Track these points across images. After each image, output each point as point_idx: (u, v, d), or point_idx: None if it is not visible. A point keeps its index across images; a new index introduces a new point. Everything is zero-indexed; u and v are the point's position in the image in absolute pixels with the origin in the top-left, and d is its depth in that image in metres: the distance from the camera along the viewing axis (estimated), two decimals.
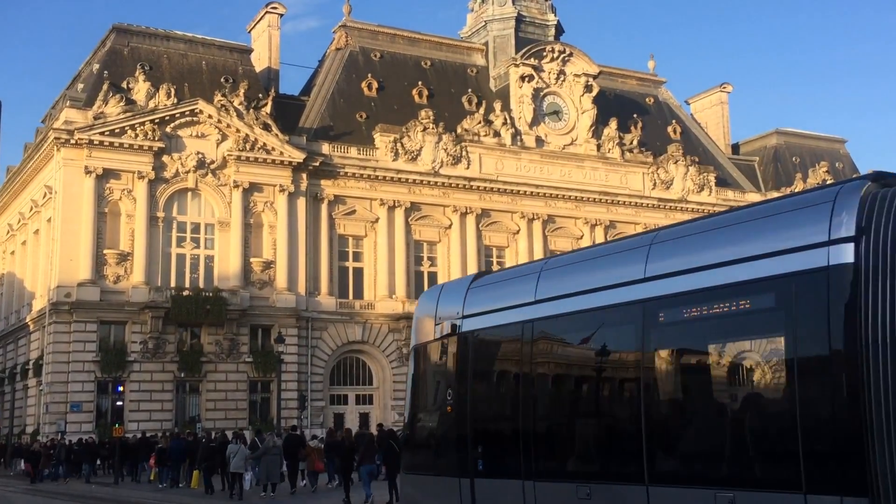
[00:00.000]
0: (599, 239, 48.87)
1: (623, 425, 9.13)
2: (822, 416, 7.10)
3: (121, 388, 38.88)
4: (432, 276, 46.99)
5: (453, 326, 11.11)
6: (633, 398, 8.92)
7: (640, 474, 8.43)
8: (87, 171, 40.66)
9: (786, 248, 7.46)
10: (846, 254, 7.05)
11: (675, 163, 54.15)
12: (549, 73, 51.81)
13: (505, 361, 10.94)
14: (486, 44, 54.05)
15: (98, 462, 34.91)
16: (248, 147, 43.26)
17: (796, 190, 49.04)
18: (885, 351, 6.75)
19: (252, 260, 43.40)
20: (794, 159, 60.34)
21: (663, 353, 8.72)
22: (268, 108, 44.19)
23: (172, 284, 41.55)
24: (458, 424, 10.94)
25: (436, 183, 47.64)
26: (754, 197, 52.16)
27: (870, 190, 7.28)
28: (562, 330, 9.98)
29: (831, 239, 7.15)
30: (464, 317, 11.06)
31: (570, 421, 9.97)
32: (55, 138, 40.67)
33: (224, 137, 43.17)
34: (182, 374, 40.95)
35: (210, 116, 42.76)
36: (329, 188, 45.73)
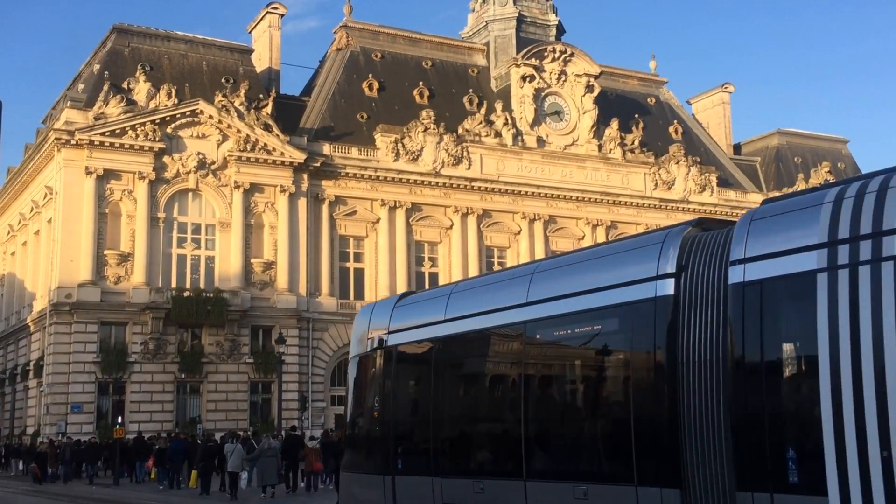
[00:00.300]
0: (601, 239, 48.77)
1: (508, 428, 10.66)
2: (648, 420, 8.51)
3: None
4: (433, 277, 46.91)
5: (380, 340, 12.74)
6: (516, 405, 10.50)
7: (519, 471, 10.02)
8: (88, 172, 40.62)
9: (625, 282, 8.96)
10: (668, 287, 8.50)
11: (677, 163, 54.06)
12: (551, 73, 51.73)
13: (418, 373, 12.57)
14: (487, 44, 53.96)
15: (99, 463, 34.86)
16: (248, 147, 43.21)
17: (798, 189, 48.87)
18: (696, 368, 8.11)
19: (253, 260, 43.34)
20: (795, 159, 60.22)
21: (537, 367, 10.52)
22: (268, 109, 44.13)
23: (173, 285, 41.49)
24: (382, 428, 12.53)
25: (437, 183, 47.56)
26: (756, 197, 52.03)
27: (690, 234, 8.75)
28: (461, 345, 11.61)
29: (658, 274, 8.60)
30: (389, 332, 12.67)
31: (467, 426, 11.62)
32: (56, 139, 40.63)
33: (225, 138, 43.11)
34: (183, 375, 40.89)
35: (211, 117, 42.71)
36: (330, 189, 45.67)
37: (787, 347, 7.54)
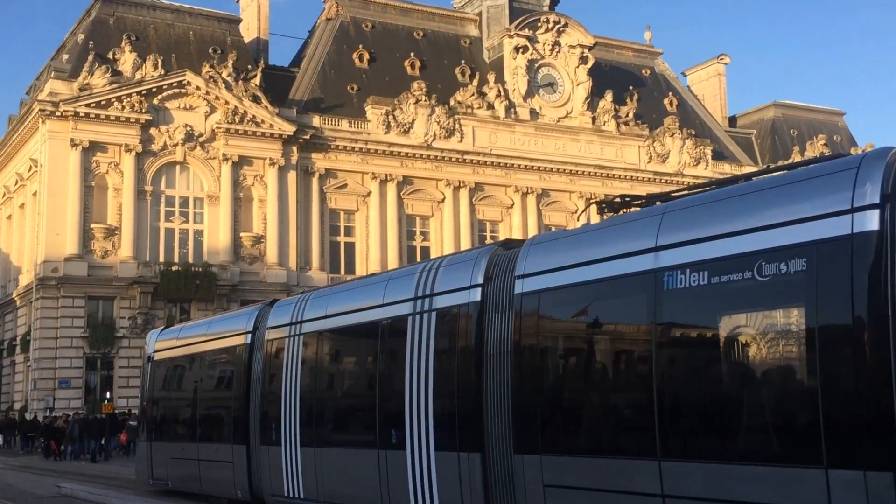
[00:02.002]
0: (594, 214, 48.22)
1: (223, 411, 16.36)
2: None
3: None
4: (425, 251, 46.46)
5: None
6: (236, 390, 15.50)
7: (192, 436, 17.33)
8: (73, 144, 39.99)
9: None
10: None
11: (672, 136, 53.51)
12: (544, 44, 50.99)
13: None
14: (479, 14, 53.10)
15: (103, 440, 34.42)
16: (237, 119, 42.56)
17: (794, 161, 48.43)
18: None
19: (242, 234, 42.87)
20: (791, 132, 59.74)
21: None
22: (257, 80, 43.46)
23: (161, 259, 41.07)
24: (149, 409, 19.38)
25: (428, 156, 46.98)
26: (751, 169, 51.50)
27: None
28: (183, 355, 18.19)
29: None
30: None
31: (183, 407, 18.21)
32: (40, 110, 39.99)
33: (212, 110, 42.45)
34: None
35: (198, 88, 42.01)
36: (320, 161, 45.08)
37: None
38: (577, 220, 46.27)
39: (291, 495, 13.25)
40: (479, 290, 10.10)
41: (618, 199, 10.03)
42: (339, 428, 12.91)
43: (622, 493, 8.12)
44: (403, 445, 10.90)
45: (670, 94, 57.41)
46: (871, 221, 6.69)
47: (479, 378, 9.88)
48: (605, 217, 10.00)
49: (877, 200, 6.72)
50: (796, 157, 54.38)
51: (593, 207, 11.11)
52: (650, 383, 7.96)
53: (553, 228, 44.48)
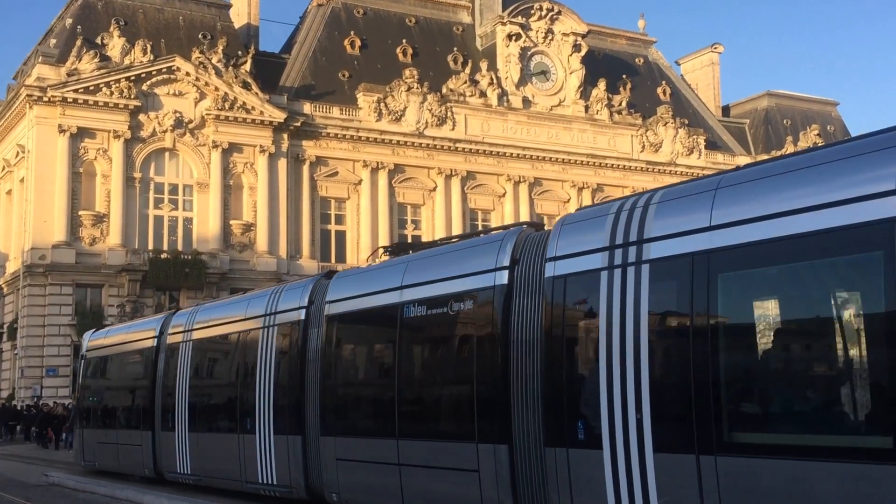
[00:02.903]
0: (587, 202, 48.11)
1: (136, 402, 18.88)
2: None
3: None
4: (416, 240, 46.11)
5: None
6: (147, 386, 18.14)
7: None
8: (61, 130, 39.62)
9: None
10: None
11: (665, 125, 53.28)
12: (537, 31, 50.64)
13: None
14: (472, 1, 52.67)
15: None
16: (227, 106, 42.20)
17: (787, 152, 48.37)
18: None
19: (232, 222, 42.58)
20: (785, 122, 59.55)
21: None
22: (247, 66, 43.07)
23: (150, 247, 40.79)
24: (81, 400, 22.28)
25: (420, 144, 46.68)
26: (744, 160, 51.37)
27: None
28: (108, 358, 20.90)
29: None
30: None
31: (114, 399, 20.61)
32: (27, 95, 39.63)
33: (202, 96, 42.07)
34: None
35: (188, 74, 41.61)
36: (311, 149, 44.75)
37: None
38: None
39: (180, 471, 16.59)
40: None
41: (395, 244, 13.36)
42: (210, 417, 15.97)
43: None
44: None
45: (664, 82, 57.15)
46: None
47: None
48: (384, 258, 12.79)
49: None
50: (790, 148, 54.21)
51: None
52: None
53: (545, 218, 44.25)
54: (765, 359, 7.39)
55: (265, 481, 13.73)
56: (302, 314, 13.08)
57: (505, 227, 10.98)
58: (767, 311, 7.54)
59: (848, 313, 6.87)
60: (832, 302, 7.02)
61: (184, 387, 16.27)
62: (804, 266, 7.03)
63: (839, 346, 6.90)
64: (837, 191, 6.77)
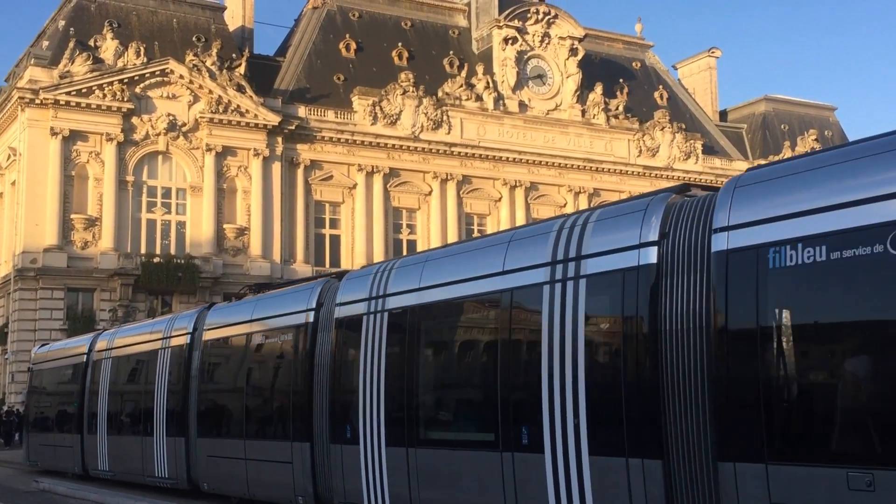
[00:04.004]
0: (584, 207, 47.81)
1: (67, 410, 21.70)
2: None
3: None
4: (411, 244, 45.90)
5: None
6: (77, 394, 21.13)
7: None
8: (53, 133, 39.34)
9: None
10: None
11: (662, 129, 53.03)
12: (534, 35, 50.40)
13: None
14: (468, 4, 52.45)
15: None
16: (221, 109, 41.91)
17: (784, 157, 48.25)
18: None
19: (225, 226, 42.28)
20: (782, 127, 59.35)
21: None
22: (242, 69, 42.80)
23: (142, 251, 40.52)
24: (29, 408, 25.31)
25: (415, 148, 46.39)
26: (741, 165, 51.15)
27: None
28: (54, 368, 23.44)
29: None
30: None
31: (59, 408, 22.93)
32: (19, 98, 39.38)
33: (196, 99, 41.78)
34: None
35: (181, 77, 41.32)
36: (305, 153, 44.45)
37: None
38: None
39: (99, 468, 19.58)
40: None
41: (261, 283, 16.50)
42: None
43: None
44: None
45: (661, 87, 56.91)
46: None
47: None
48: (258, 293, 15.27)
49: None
50: (787, 153, 54.01)
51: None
52: None
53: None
54: None
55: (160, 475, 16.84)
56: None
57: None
58: None
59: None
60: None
61: (102, 393, 19.71)
62: None
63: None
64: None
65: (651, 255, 8.13)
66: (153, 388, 16.87)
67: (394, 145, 45.89)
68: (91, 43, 40.84)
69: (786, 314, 7.17)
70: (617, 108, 52.23)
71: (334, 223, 45.48)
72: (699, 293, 7.71)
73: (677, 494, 7.75)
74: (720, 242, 7.52)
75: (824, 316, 7.02)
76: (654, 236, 8.19)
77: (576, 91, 50.90)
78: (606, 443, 8.30)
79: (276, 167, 43.34)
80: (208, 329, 15.58)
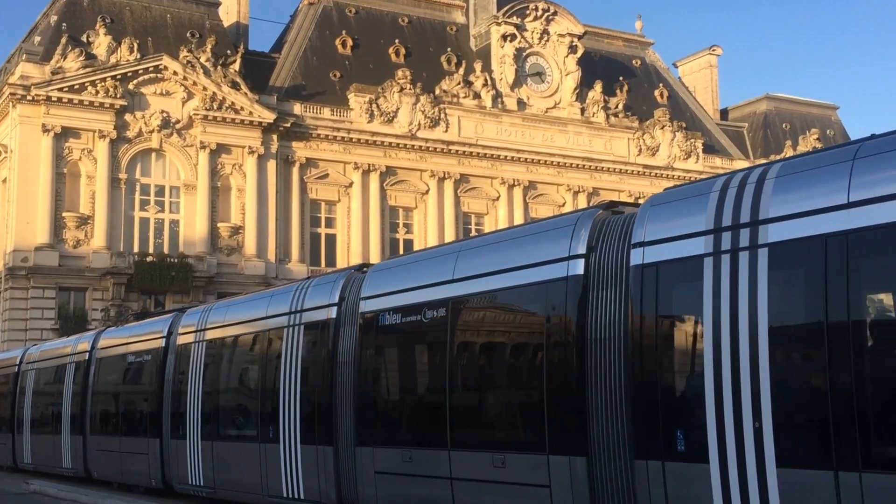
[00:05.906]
0: (582, 206, 47.32)
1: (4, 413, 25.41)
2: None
3: None
4: (408, 244, 45.42)
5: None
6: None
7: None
8: (45, 130, 38.92)
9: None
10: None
11: (662, 128, 52.52)
12: (532, 32, 49.89)
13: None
14: (466, 0, 51.97)
15: None
16: (215, 106, 41.46)
17: (786, 156, 47.82)
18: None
19: (219, 225, 41.85)
20: (784, 126, 58.85)
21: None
22: (236, 66, 42.37)
23: (135, 250, 40.12)
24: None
25: (412, 146, 45.90)
26: (742, 164, 50.66)
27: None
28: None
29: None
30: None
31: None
32: (10, 94, 39.02)
33: (190, 96, 41.34)
34: None
35: (175, 73, 40.85)
36: (301, 150, 43.97)
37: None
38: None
39: (25, 462, 23.67)
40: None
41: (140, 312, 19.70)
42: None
43: None
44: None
45: (661, 85, 56.41)
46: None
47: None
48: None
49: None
50: (788, 152, 53.49)
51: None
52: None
53: None
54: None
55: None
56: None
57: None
58: None
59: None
60: None
61: (26, 398, 23.92)
62: None
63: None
64: None
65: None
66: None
67: (390, 143, 45.41)
68: (84, 38, 40.42)
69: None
70: (617, 107, 51.73)
71: (330, 222, 45.02)
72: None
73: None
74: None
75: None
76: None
77: (575, 89, 50.39)
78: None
79: (271, 165, 42.87)
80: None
